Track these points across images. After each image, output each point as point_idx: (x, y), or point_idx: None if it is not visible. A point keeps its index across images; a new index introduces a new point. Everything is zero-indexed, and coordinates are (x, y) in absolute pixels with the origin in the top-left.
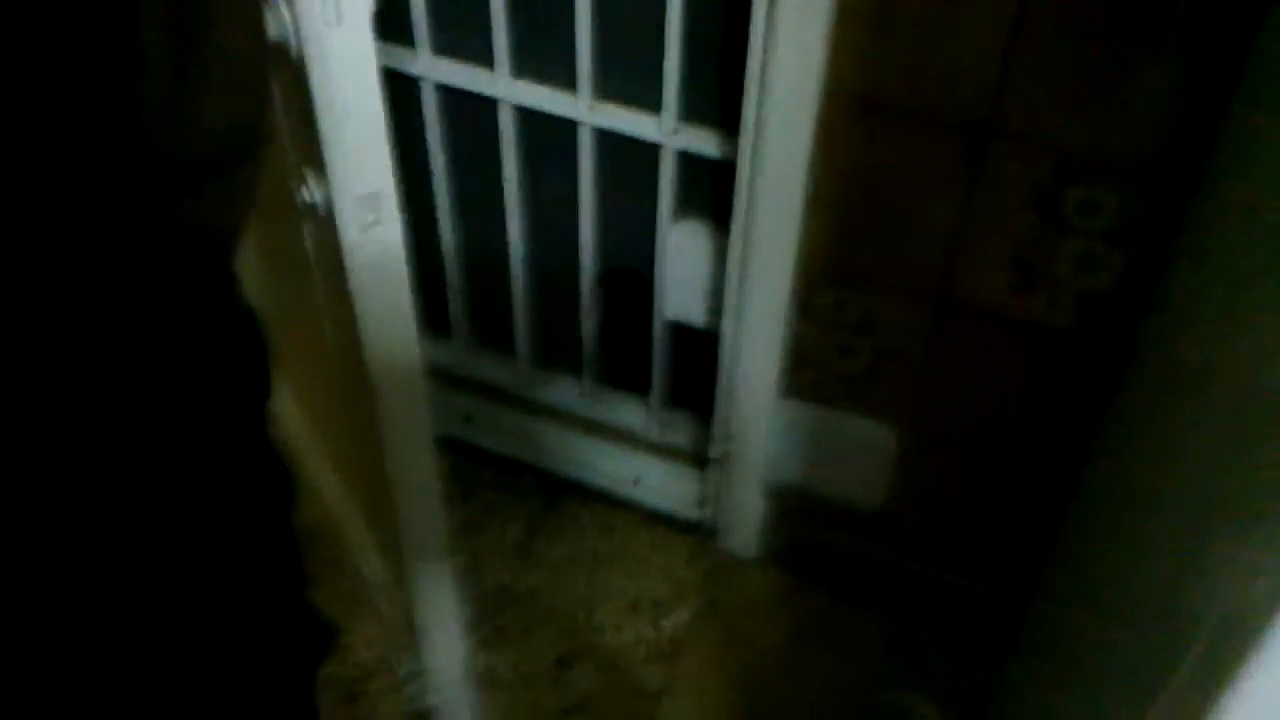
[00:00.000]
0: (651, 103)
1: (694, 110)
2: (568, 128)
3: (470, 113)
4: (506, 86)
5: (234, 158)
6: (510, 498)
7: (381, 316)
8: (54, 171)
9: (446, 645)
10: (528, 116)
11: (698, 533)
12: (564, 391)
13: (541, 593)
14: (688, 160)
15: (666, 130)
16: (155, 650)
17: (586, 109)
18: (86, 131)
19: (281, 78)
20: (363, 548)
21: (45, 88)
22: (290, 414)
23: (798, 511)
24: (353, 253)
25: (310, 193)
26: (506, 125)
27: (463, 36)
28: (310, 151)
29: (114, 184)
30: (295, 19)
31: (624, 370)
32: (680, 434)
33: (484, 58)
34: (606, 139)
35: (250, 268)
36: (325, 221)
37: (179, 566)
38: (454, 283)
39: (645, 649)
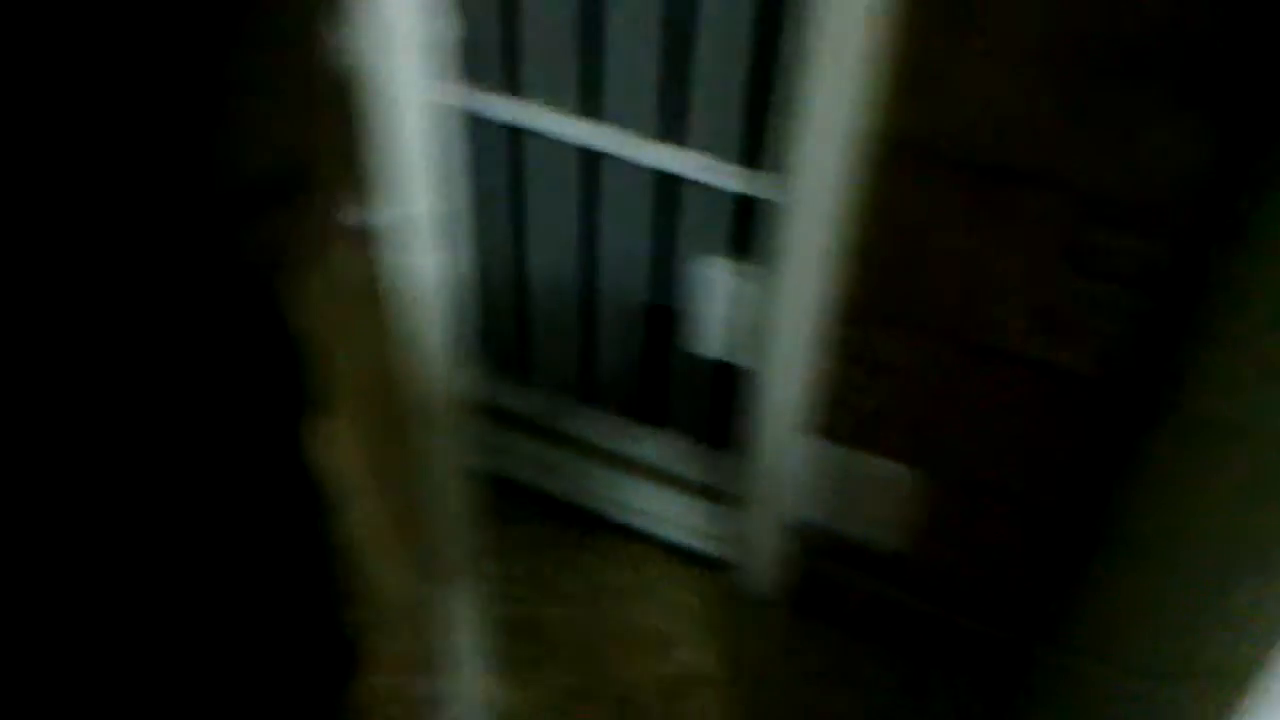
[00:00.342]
0: (682, 138)
1: (724, 147)
2: (592, 159)
3: (500, 142)
4: (533, 117)
5: (293, 184)
6: (532, 528)
7: (421, 340)
8: (139, 184)
9: (466, 672)
10: (555, 146)
11: (716, 568)
12: (589, 424)
13: (559, 624)
14: (719, 196)
15: (698, 166)
16: (176, 662)
17: (617, 142)
18: (178, 146)
19: (341, 101)
20: (389, 568)
21: (143, 99)
22: (339, 438)
23: (815, 549)
24: (396, 275)
25: (362, 215)
26: (534, 155)
27: (491, 68)
28: (362, 174)
29: (190, 201)
30: (354, 44)
31: (650, 404)
32: (702, 469)
33: (511, 88)
34: (636, 172)
35: (306, 290)
36: (373, 243)
37: (203, 579)
38: (482, 312)
39: (658, 684)
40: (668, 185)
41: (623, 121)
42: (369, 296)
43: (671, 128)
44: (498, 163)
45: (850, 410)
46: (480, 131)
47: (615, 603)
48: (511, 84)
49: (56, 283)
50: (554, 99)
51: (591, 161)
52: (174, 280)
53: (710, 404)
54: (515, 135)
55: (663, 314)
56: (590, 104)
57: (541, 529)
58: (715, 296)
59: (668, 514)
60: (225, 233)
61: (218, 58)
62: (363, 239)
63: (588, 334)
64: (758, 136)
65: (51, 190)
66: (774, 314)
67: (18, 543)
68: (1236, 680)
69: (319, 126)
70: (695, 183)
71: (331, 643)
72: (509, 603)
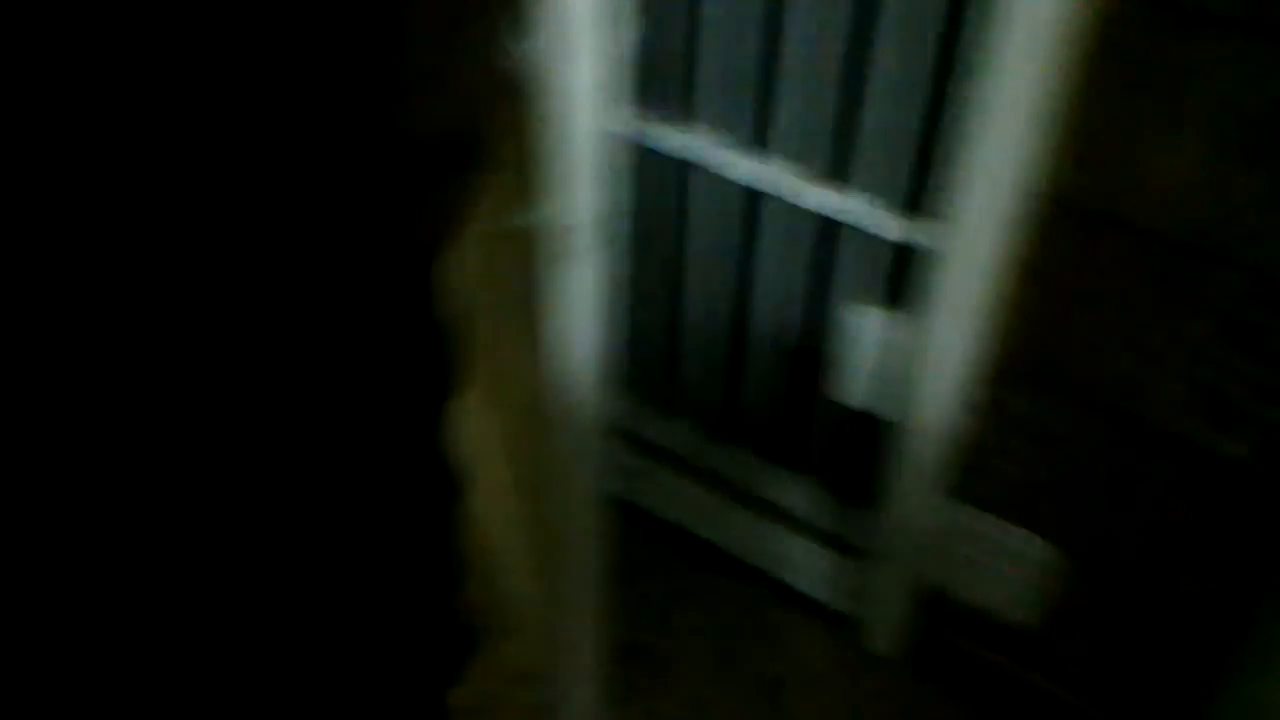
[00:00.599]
0: (845, 180)
1: (887, 192)
2: (754, 197)
3: (664, 171)
4: (701, 149)
5: (466, 161)
6: (657, 557)
7: (567, 350)
8: (316, 151)
9: (576, 688)
10: (718, 181)
11: (837, 621)
12: (726, 461)
13: (671, 655)
14: (877, 243)
15: (859, 210)
16: (295, 638)
17: (781, 182)
18: (356, 112)
19: (515, 102)
20: (511, 567)
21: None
22: (475, 428)
23: (941, 614)
24: (551, 281)
25: (524, 216)
26: (697, 187)
27: (662, 96)
28: (531, 176)
29: (369, 167)
30: (532, 52)
31: (789, 448)
32: (835, 519)
33: (681, 118)
34: (796, 213)
35: (461, 282)
36: (534, 246)
37: (338, 554)
38: (631, 337)
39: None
40: (827, 228)
41: (790, 159)
42: (523, 295)
43: (837, 169)
44: (660, 191)
45: (991, 475)
46: (646, 159)
47: (730, 641)
48: (682, 114)
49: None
50: (723, 132)
51: (754, 199)
52: (348, 250)
53: (849, 454)
54: (680, 166)
55: (811, 358)
56: (759, 140)
57: (666, 559)
58: (864, 344)
59: (795, 560)
60: (399, 204)
61: (398, 32)
62: (524, 237)
63: (734, 371)
64: (922, 184)
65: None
66: (922, 367)
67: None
68: None
69: (494, 117)
70: (854, 227)
71: (450, 627)
72: (624, 627)
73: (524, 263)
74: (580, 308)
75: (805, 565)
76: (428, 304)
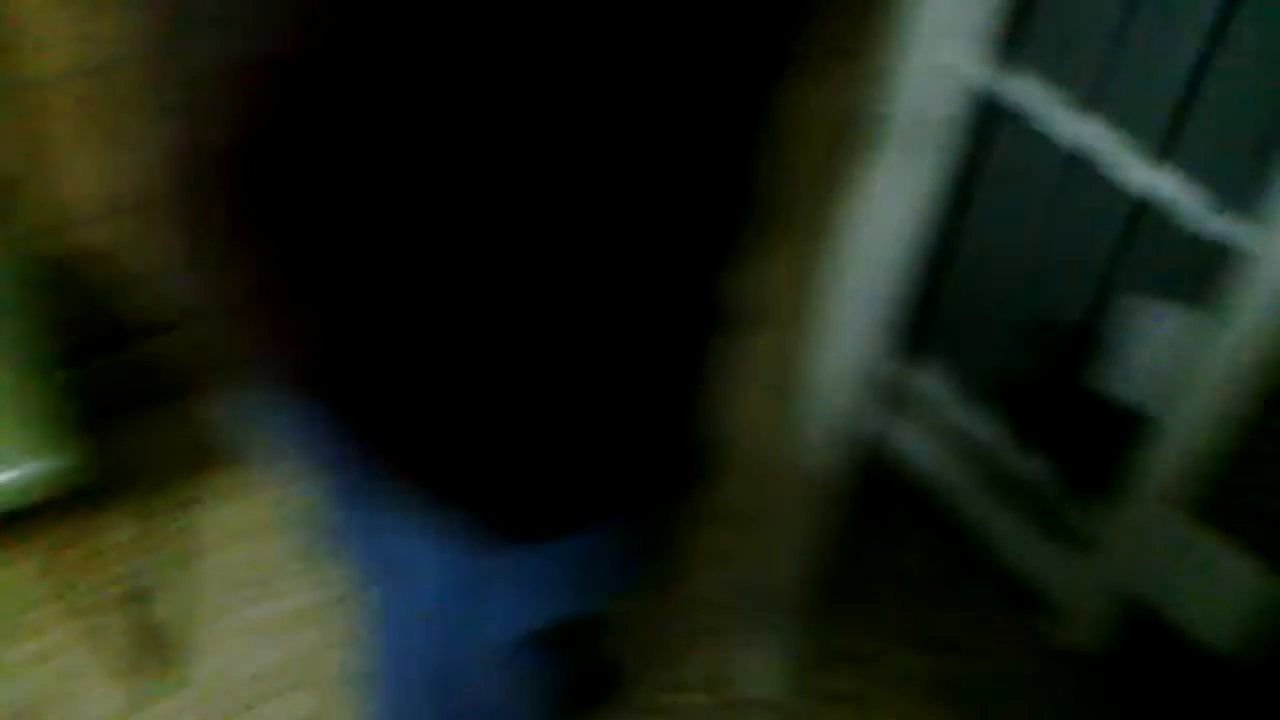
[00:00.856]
0: (1174, 160)
1: (1215, 183)
2: (1068, 161)
3: (987, 120)
4: (1033, 102)
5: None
6: (884, 499)
7: (870, 245)
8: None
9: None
10: (1041, 140)
11: (1040, 610)
12: (984, 430)
13: (864, 591)
14: (1187, 235)
15: (1179, 197)
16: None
17: (1097, 149)
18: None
19: None
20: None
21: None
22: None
23: (1147, 628)
24: (873, 176)
25: (858, 106)
26: (1018, 143)
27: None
28: (871, 69)
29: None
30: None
31: (1037, 426)
32: (1064, 506)
33: (1017, 65)
34: (1108, 187)
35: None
36: (862, 137)
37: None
38: (910, 279)
39: (934, 685)
40: (1138, 210)
41: (1116, 126)
42: (838, 182)
43: (1164, 148)
44: (976, 135)
45: (1238, 497)
46: (973, 106)
47: (919, 593)
48: (1019, 61)
49: None
50: (1054, 84)
51: (1069, 163)
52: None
53: (1097, 444)
54: (1001, 111)
55: (1084, 339)
56: (1089, 99)
57: (889, 500)
58: (1146, 338)
59: (1011, 534)
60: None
61: None
62: (855, 126)
63: (1003, 333)
64: (1251, 180)
65: None
66: (1201, 373)
67: None
68: None
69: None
70: (1166, 214)
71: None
72: (829, 556)
73: (849, 151)
74: (892, 210)
75: (1020, 542)
76: (752, 154)
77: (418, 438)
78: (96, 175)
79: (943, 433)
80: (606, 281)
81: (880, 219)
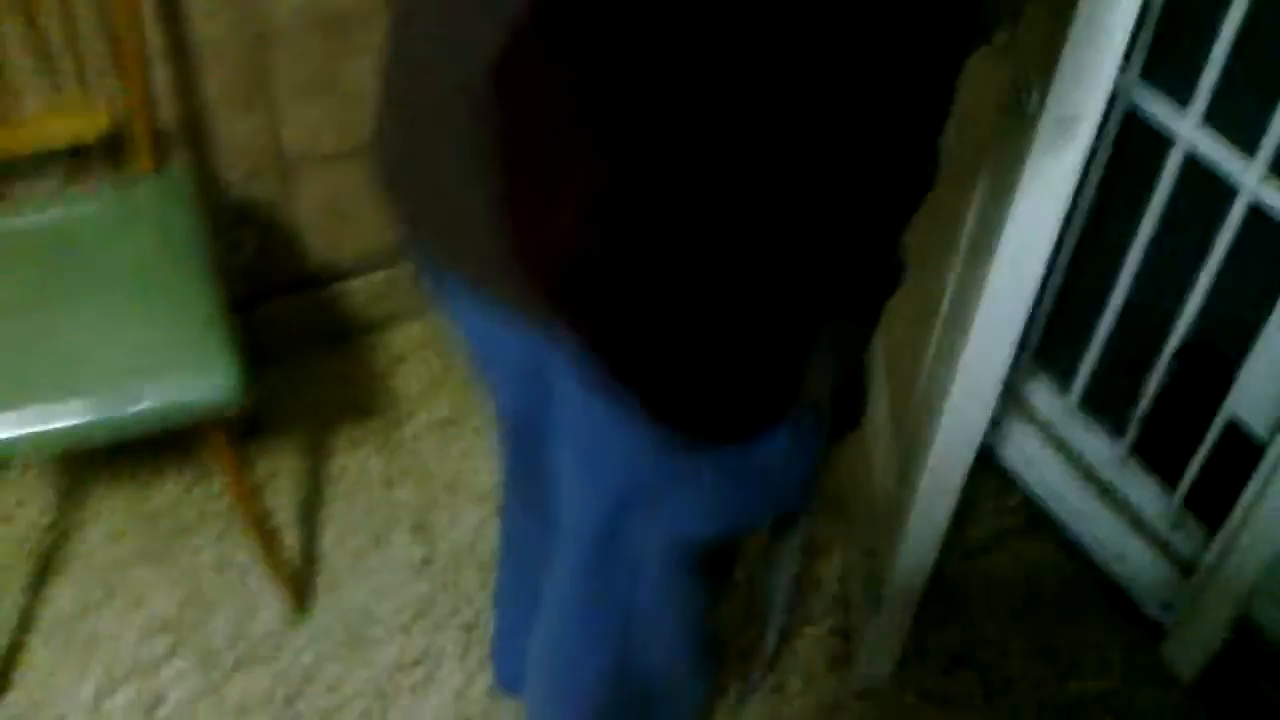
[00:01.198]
0: None
1: None
2: (1224, 191)
3: (1143, 143)
4: (1190, 129)
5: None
6: (996, 507)
7: (1020, 234)
8: None
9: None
10: (1192, 164)
11: (1148, 629)
12: (1098, 447)
13: (971, 596)
14: None
15: None
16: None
17: (1256, 179)
18: None
19: None
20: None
21: None
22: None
23: (1253, 655)
24: (1031, 166)
25: (1027, 100)
26: (1171, 167)
27: (1162, 63)
28: (1045, 60)
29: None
30: None
31: (1159, 445)
32: (1177, 528)
33: (1178, 91)
34: (1259, 216)
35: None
36: (1023, 132)
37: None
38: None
39: (1040, 697)
40: (1269, 227)
41: (1243, 143)
42: (1000, 169)
43: None
44: (1138, 157)
45: None
46: (1135, 118)
47: (1036, 613)
48: (1157, 71)
49: None
50: (1219, 120)
51: (1226, 193)
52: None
53: (1217, 466)
54: (1139, 123)
55: (1221, 364)
56: (1251, 140)
57: (1001, 509)
58: (1269, 358)
59: (1129, 558)
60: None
61: None
62: (1022, 116)
63: (1123, 347)
64: None
65: None
66: None
67: None
68: None
69: None
70: None
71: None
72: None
73: (1013, 140)
74: (1046, 200)
75: (1135, 565)
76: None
77: (637, 332)
78: (266, 130)
79: (1056, 445)
80: (822, 215)
81: (1027, 216)
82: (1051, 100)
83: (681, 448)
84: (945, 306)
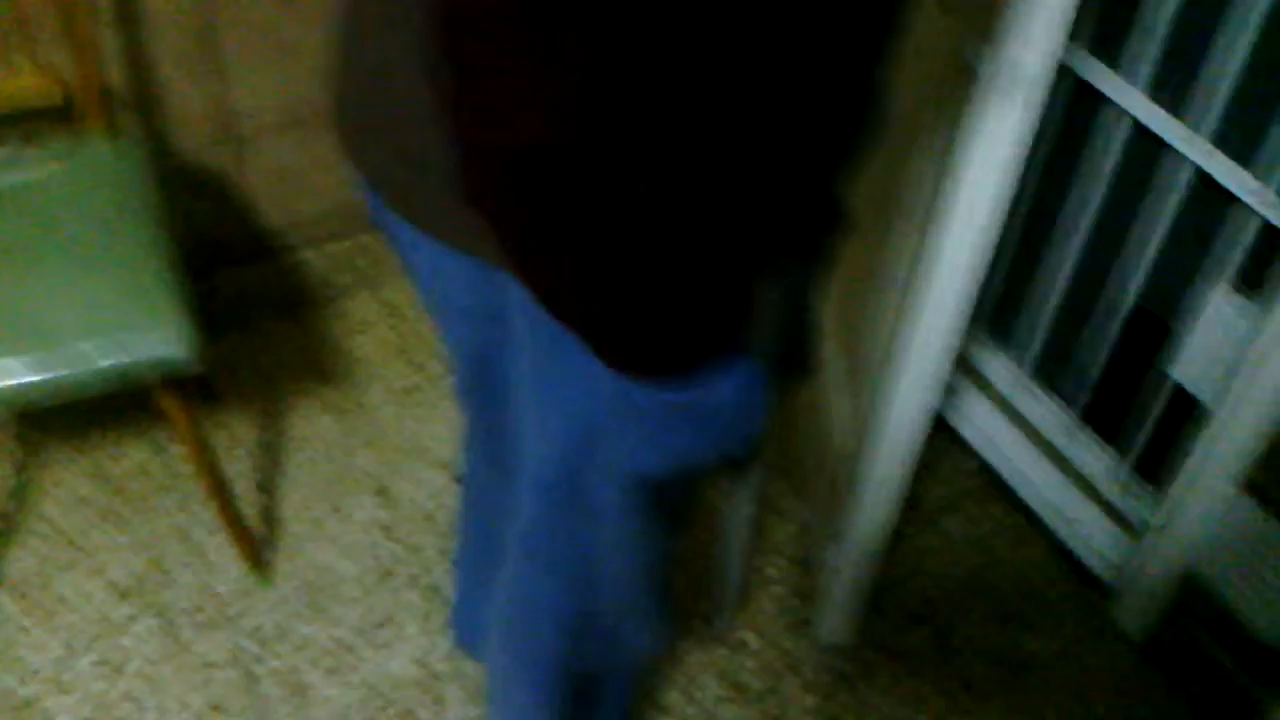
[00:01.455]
0: (1245, 154)
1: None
2: (1172, 158)
3: (1067, 99)
4: (1135, 100)
5: None
6: (949, 470)
7: (970, 192)
8: None
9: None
10: (1138, 135)
11: (1099, 590)
12: (1049, 414)
13: (920, 573)
14: (1255, 222)
15: (1248, 186)
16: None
17: (1200, 149)
18: None
19: None
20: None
21: None
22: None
23: (1196, 611)
24: (978, 118)
25: (976, 61)
26: (1118, 138)
27: (1108, 37)
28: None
29: None
30: None
31: (1101, 410)
32: (1131, 496)
33: (1124, 65)
34: (1202, 184)
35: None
36: (972, 81)
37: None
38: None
39: (994, 655)
40: (1217, 200)
41: (1202, 119)
42: (946, 122)
43: (1246, 140)
44: (1084, 132)
45: None
46: (1078, 97)
47: (986, 572)
48: (1103, 45)
49: None
50: (1137, 71)
51: (1152, 147)
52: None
53: (1160, 428)
54: (1086, 96)
55: (1154, 325)
56: (1177, 93)
57: (953, 472)
58: (1209, 322)
59: (1076, 519)
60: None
61: None
62: (965, 70)
63: (1070, 316)
64: None
65: None
66: (1260, 357)
67: None
68: None
69: None
70: (1236, 201)
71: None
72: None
73: (958, 93)
74: (988, 170)
75: (1084, 526)
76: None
77: (579, 262)
78: (218, 97)
79: (1010, 414)
80: (757, 145)
81: (977, 178)
82: (1000, 60)
83: (630, 383)
84: (901, 269)
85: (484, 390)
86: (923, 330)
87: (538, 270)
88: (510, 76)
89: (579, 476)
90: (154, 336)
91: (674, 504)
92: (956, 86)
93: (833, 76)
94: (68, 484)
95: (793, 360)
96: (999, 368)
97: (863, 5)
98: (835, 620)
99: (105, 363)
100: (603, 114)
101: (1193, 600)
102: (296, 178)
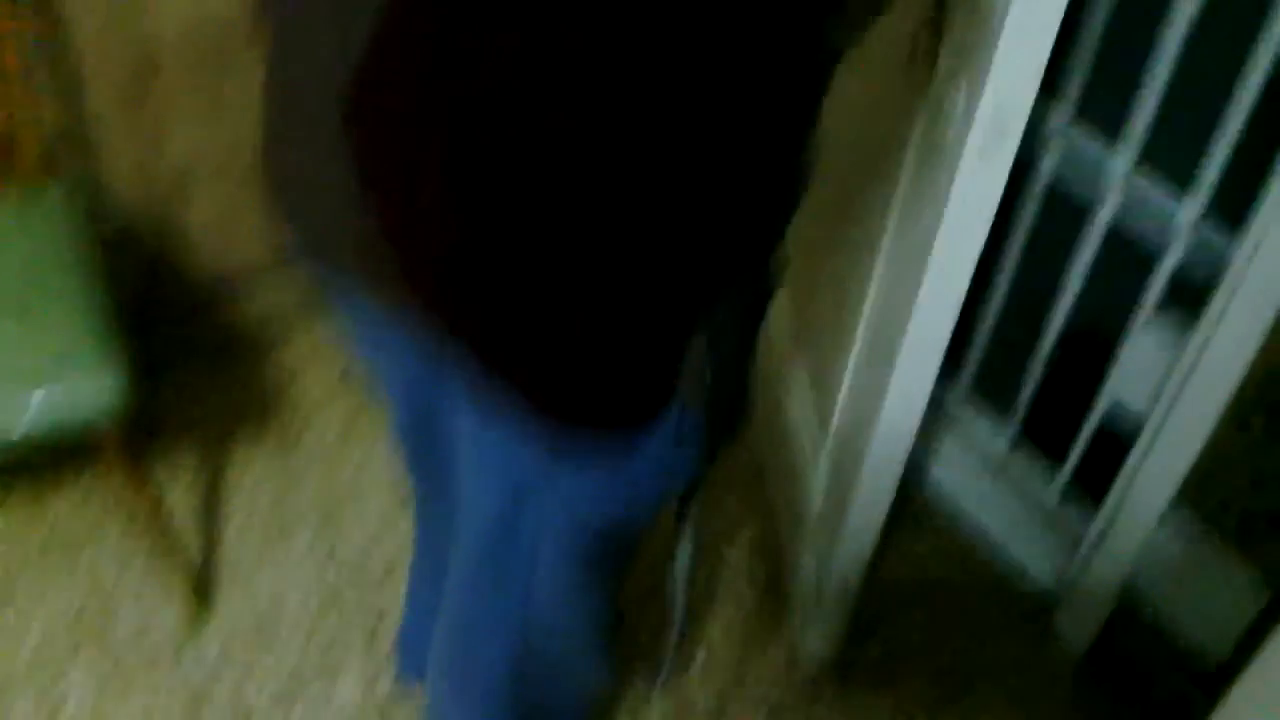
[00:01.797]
0: (1182, 185)
1: (1219, 208)
2: (1100, 181)
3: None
4: (1056, 121)
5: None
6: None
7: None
8: None
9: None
10: (1067, 157)
11: (1040, 602)
12: (989, 430)
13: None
14: (1183, 242)
15: (1186, 219)
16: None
17: (1126, 167)
18: None
19: None
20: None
21: None
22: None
23: (1137, 625)
24: (963, 162)
25: (955, 99)
26: (1049, 160)
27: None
28: (971, 57)
29: None
30: None
31: (1043, 426)
32: (1070, 509)
33: (1053, 88)
34: (1130, 203)
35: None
36: (952, 128)
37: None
38: None
39: (937, 670)
40: (1151, 225)
41: (1135, 149)
42: (924, 178)
43: (1175, 171)
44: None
45: (1231, 500)
46: None
47: (921, 578)
48: (1054, 86)
49: None
50: (1084, 110)
51: (1092, 179)
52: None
53: (1101, 445)
54: (1038, 136)
55: (1095, 345)
56: (1113, 127)
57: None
58: (1140, 341)
59: (1016, 532)
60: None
61: None
62: (940, 119)
63: (1018, 338)
64: (1238, 194)
65: None
66: (1193, 374)
67: None
68: None
69: None
70: (1178, 233)
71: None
72: None
73: (939, 148)
74: (978, 206)
75: (1024, 539)
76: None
77: (508, 324)
78: (152, 147)
79: (950, 429)
80: (687, 217)
81: (959, 223)
82: (984, 104)
83: (562, 439)
84: (868, 309)
85: (420, 439)
86: (902, 385)
87: (466, 329)
88: (419, 185)
89: (514, 525)
90: (90, 383)
91: (612, 551)
92: (929, 129)
93: (760, 157)
94: (2, 519)
95: (727, 414)
96: (939, 386)
97: (783, 91)
98: (813, 634)
99: (41, 413)
100: (520, 198)
101: (1131, 613)
102: (233, 226)
